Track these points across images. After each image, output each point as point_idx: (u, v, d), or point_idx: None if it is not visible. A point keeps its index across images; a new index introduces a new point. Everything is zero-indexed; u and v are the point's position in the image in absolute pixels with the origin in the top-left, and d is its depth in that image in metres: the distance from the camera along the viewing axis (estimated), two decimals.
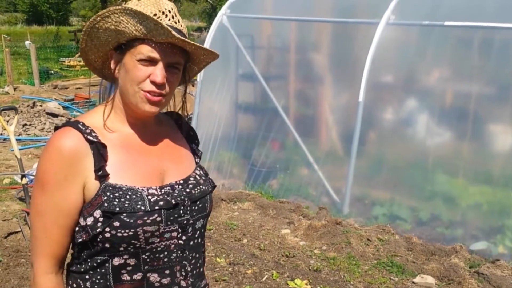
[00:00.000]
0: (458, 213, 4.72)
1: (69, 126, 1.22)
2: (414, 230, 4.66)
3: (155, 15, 1.20)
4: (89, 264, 1.24)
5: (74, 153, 1.18)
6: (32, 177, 5.12)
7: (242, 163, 6.13)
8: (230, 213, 5.06)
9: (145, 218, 1.19)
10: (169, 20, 1.22)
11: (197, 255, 1.34)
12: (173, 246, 1.26)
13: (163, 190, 1.25)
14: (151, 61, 1.20)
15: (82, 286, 1.26)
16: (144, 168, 1.27)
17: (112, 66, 1.27)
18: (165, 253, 1.25)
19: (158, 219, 1.21)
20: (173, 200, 1.25)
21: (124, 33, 1.20)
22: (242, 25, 6.18)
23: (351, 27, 5.67)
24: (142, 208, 1.19)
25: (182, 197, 1.28)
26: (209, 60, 1.33)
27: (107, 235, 1.18)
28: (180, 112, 1.42)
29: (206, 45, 5.92)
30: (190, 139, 1.46)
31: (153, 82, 1.20)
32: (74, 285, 1.27)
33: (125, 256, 1.22)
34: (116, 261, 1.22)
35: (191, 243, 1.31)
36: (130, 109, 1.27)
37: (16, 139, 4.50)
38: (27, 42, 15.33)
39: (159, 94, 1.22)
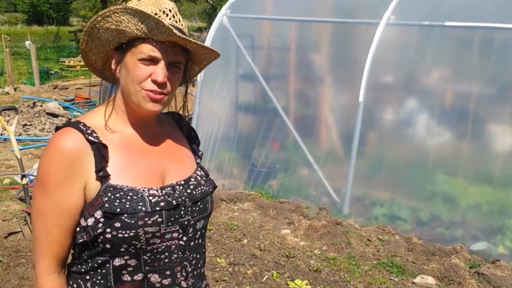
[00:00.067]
0: (458, 213, 4.72)
1: (70, 127, 1.22)
2: (414, 231, 4.66)
3: (156, 14, 1.19)
4: (89, 264, 1.24)
5: (75, 154, 1.18)
6: (32, 177, 5.12)
7: (242, 163, 6.13)
8: (230, 213, 5.06)
9: (146, 219, 1.19)
10: (170, 19, 1.22)
11: (198, 256, 1.34)
12: (174, 247, 1.26)
13: (164, 191, 1.25)
14: (152, 60, 1.20)
15: (83, 287, 1.26)
16: (145, 169, 1.26)
17: (113, 66, 1.26)
18: (166, 253, 1.25)
19: (159, 220, 1.21)
20: (174, 201, 1.25)
21: (125, 32, 1.20)
22: (242, 25, 6.18)
23: (351, 27, 5.67)
24: (143, 209, 1.19)
25: (183, 197, 1.28)
26: (210, 59, 1.33)
27: (108, 235, 1.18)
28: (181, 112, 1.42)
29: (206, 45, 5.89)
30: (191, 139, 1.46)
31: (154, 81, 1.20)
32: (75, 286, 1.27)
33: (126, 257, 1.22)
34: (117, 261, 1.22)
35: (192, 243, 1.31)
36: (132, 109, 1.27)
37: (16, 139, 4.50)
38: (27, 42, 15.31)
39: (161, 93, 1.22)
